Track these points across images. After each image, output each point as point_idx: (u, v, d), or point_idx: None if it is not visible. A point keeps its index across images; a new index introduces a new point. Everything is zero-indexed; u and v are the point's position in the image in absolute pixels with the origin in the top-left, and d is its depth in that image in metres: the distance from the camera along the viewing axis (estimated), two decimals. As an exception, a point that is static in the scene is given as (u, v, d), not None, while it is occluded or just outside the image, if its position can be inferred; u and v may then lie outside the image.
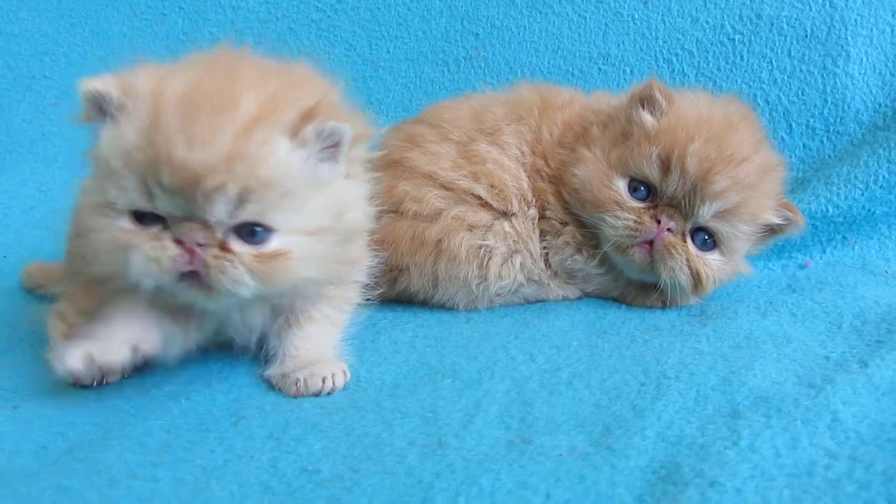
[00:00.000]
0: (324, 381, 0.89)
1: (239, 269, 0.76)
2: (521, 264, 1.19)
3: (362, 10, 1.76)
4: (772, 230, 1.16)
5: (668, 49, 1.56)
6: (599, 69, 1.59)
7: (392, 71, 1.71)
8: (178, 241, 0.75)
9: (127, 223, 0.76)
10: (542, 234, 1.20)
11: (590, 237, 1.19)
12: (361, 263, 0.98)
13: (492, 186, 1.17)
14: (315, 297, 0.94)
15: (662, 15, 1.57)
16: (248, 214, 0.75)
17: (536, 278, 1.21)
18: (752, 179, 1.09)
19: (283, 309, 0.93)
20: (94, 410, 0.84)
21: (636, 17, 1.58)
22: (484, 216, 1.17)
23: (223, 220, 0.75)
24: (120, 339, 0.83)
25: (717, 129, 1.10)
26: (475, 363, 0.96)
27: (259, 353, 0.96)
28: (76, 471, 0.70)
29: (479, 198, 1.17)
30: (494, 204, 1.17)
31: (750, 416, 0.75)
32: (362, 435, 0.78)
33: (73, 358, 0.79)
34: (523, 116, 1.24)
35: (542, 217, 1.20)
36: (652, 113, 1.15)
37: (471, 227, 1.16)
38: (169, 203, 0.74)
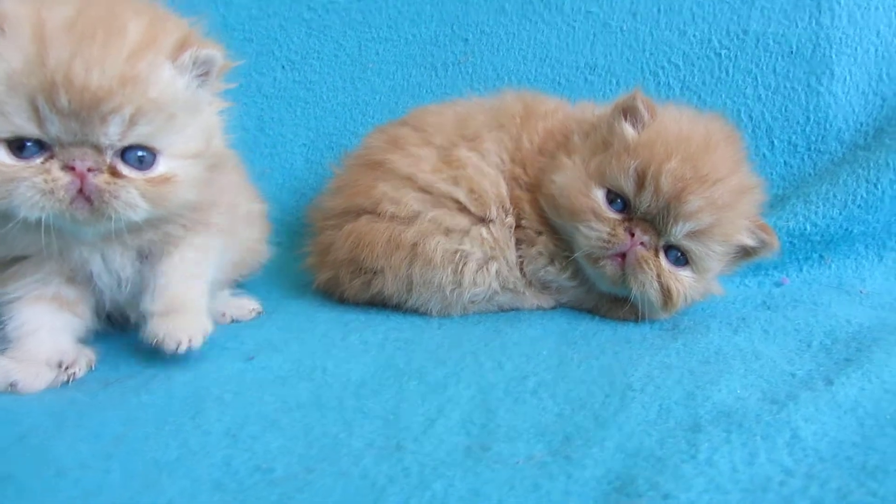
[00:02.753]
0: (178, 345, 0.90)
1: (132, 193, 0.80)
2: (496, 271, 1.18)
3: (353, 12, 1.75)
4: (746, 251, 1.15)
5: (655, 61, 1.56)
6: (586, 79, 1.59)
7: (380, 73, 1.71)
8: (68, 168, 0.77)
9: (5, 156, 0.76)
10: (518, 242, 1.20)
11: (563, 248, 1.18)
12: (222, 203, 1.00)
13: (471, 191, 1.17)
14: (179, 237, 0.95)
15: (650, 27, 1.57)
16: (137, 136, 0.80)
17: (511, 286, 1.21)
18: (726, 200, 1.08)
19: (146, 251, 0.94)
20: (51, 402, 0.83)
21: (624, 28, 1.58)
22: (461, 221, 1.16)
23: (114, 143, 0.78)
24: (42, 361, 0.87)
25: (696, 148, 1.09)
26: (443, 368, 0.96)
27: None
28: (24, 460, 0.69)
29: (458, 202, 1.17)
30: (472, 209, 1.17)
31: (710, 430, 0.74)
32: (321, 434, 0.77)
33: None
34: (504, 124, 1.24)
35: (517, 226, 1.20)
36: (634, 125, 1.14)
37: (447, 232, 1.16)
38: (61, 127, 0.76)
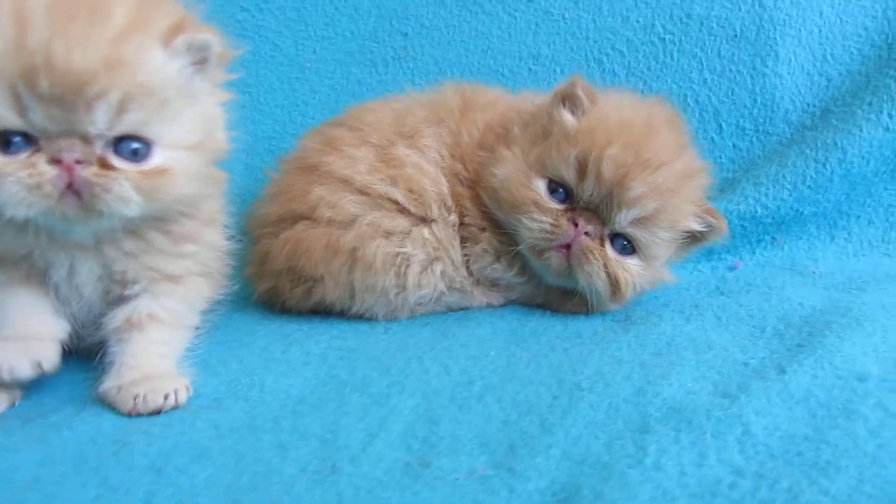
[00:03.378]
0: (165, 398, 0.83)
1: (125, 186, 0.75)
2: (441, 272, 1.14)
3: (288, 10, 1.69)
4: (694, 237, 1.12)
5: (599, 48, 1.53)
6: (530, 69, 1.56)
7: (318, 72, 1.65)
8: (55, 161, 0.72)
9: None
10: (463, 240, 1.16)
11: (508, 243, 1.14)
12: (216, 248, 0.98)
13: (410, 191, 1.13)
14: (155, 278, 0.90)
15: (593, 14, 1.54)
16: (128, 125, 0.74)
17: (459, 286, 1.17)
18: (670, 185, 1.06)
19: (114, 271, 0.87)
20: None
21: (567, 16, 1.55)
22: (401, 222, 1.12)
23: (103, 132, 0.73)
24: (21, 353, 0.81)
25: (637, 134, 1.06)
26: (387, 376, 0.92)
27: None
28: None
29: (397, 203, 1.12)
30: (412, 209, 1.13)
31: (659, 429, 0.71)
32: (253, 461, 0.72)
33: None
34: (444, 118, 1.20)
35: (461, 223, 1.16)
36: (573, 112, 1.11)
37: (387, 234, 1.11)
38: (44, 115, 0.71)
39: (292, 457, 0.73)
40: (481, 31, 1.59)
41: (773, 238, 1.36)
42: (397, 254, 1.11)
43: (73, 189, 0.73)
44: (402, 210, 1.13)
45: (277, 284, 1.17)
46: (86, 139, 0.73)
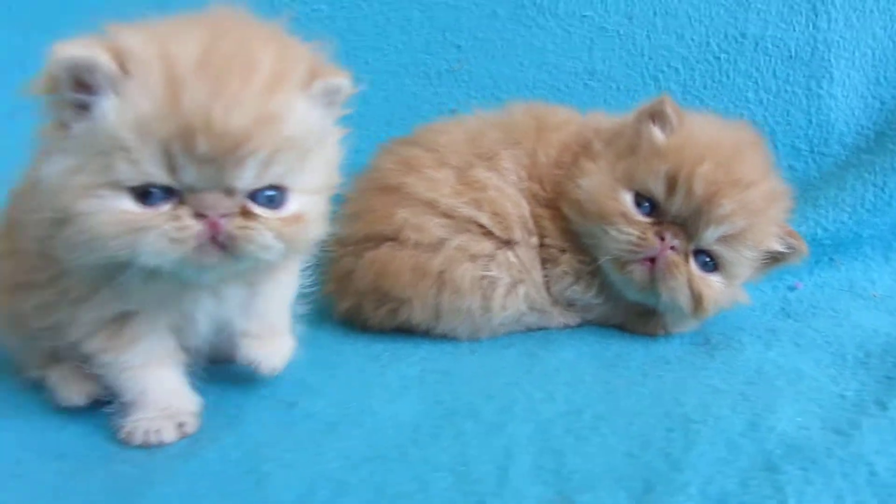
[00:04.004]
0: (273, 370, 0.96)
1: (267, 236, 0.75)
2: (524, 294, 1.17)
3: (339, 20, 1.70)
4: (774, 258, 1.16)
5: (655, 66, 1.55)
6: (585, 84, 1.58)
7: (372, 83, 1.63)
8: (199, 215, 0.72)
9: (131, 203, 0.70)
10: (543, 262, 1.19)
11: (588, 264, 1.17)
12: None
13: (494, 214, 1.15)
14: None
15: (648, 31, 1.56)
16: (271, 177, 0.75)
17: (539, 307, 1.20)
18: (758, 205, 1.09)
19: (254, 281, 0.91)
20: (99, 480, 0.78)
21: (621, 32, 1.57)
22: (487, 245, 1.15)
23: (249, 186, 0.73)
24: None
25: (727, 153, 1.10)
26: (492, 402, 0.94)
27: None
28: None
29: (482, 226, 1.15)
30: (497, 232, 1.15)
31: (787, 468, 0.75)
32: (396, 494, 0.74)
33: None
34: (519, 140, 1.22)
35: (541, 245, 1.18)
36: (662, 129, 1.14)
37: (474, 257, 1.14)
38: (195, 173, 0.70)
39: (434, 490, 0.75)
40: (536, 46, 1.60)
41: (830, 259, 1.40)
42: (483, 277, 1.14)
43: (216, 241, 0.73)
44: (487, 233, 1.15)
45: (361, 303, 1.19)
46: (229, 192, 0.73)
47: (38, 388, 0.97)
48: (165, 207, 0.72)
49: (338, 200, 1.33)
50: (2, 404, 0.97)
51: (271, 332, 0.96)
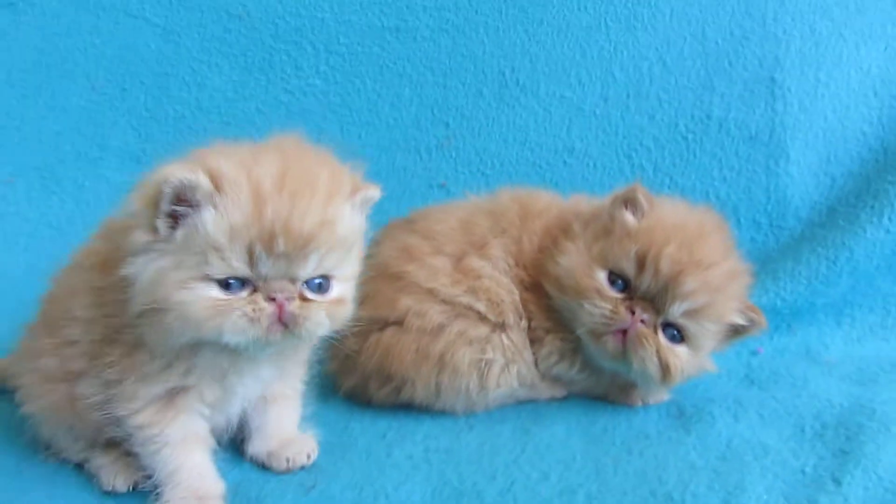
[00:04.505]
0: (308, 457, 1.11)
1: (321, 315, 0.94)
2: (517, 372, 1.27)
3: (332, 95, 1.80)
4: (736, 330, 1.27)
5: (628, 144, 1.69)
6: (565, 162, 1.70)
7: (364, 157, 1.75)
8: (270, 299, 0.90)
9: (218, 291, 0.89)
10: (531, 343, 1.29)
11: (570, 341, 1.28)
12: None
13: (489, 301, 1.26)
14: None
15: (621, 112, 1.69)
16: (324, 268, 0.94)
17: (529, 382, 1.30)
18: (719, 283, 1.20)
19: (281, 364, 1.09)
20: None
21: (597, 112, 1.70)
22: (483, 329, 1.25)
23: (308, 275, 0.92)
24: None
25: (691, 235, 1.21)
26: (494, 483, 1.04)
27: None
28: None
29: (479, 312, 1.25)
30: (492, 318, 1.26)
31: (758, 550, 0.87)
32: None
33: None
34: (506, 228, 1.32)
35: (528, 327, 1.29)
36: (633, 214, 1.25)
37: (471, 342, 1.24)
38: (270, 266, 0.89)
39: (454, 578, 0.85)
40: (519, 124, 1.73)
41: (788, 326, 1.54)
42: (481, 359, 1.24)
43: (281, 320, 0.91)
44: (483, 318, 1.26)
45: (366, 383, 1.29)
46: (293, 280, 0.91)
47: (77, 471, 1.09)
48: (243, 294, 0.90)
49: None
50: (44, 485, 1.07)
51: (288, 443, 1.12)
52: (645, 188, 1.26)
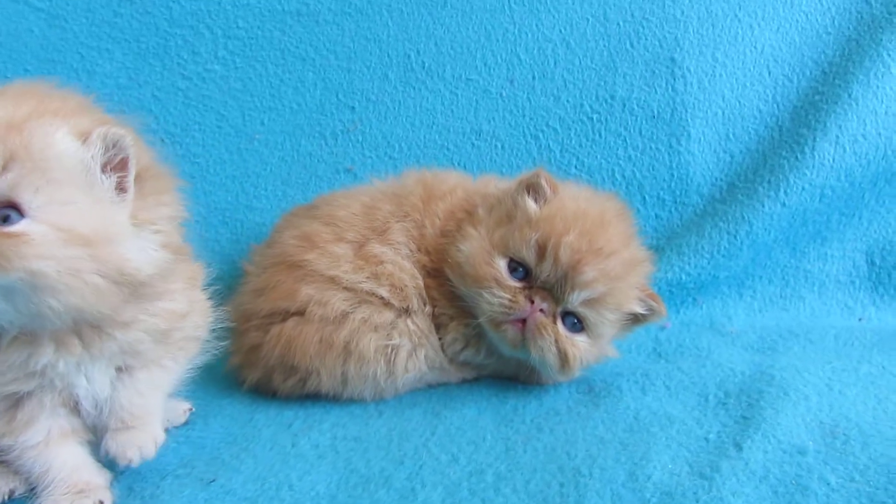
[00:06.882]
0: (130, 462, 0.94)
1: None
2: (424, 356, 1.25)
3: (232, 80, 1.74)
4: (636, 318, 1.27)
5: (535, 125, 1.69)
6: (473, 144, 1.69)
7: (268, 143, 1.71)
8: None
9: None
10: (436, 328, 1.28)
11: (474, 327, 1.26)
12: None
13: (392, 286, 1.23)
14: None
15: (527, 94, 1.69)
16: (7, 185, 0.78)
17: (438, 366, 1.29)
18: (618, 272, 1.20)
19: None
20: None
21: (503, 94, 1.70)
22: (388, 315, 1.23)
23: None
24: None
25: (591, 224, 1.20)
26: (402, 468, 1.02)
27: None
28: None
29: (382, 298, 1.23)
30: (396, 303, 1.23)
31: (662, 517, 0.87)
32: (320, 574, 0.81)
33: None
34: (409, 212, 1.30)
35: (432, 313, 1.27)
36: (536, 200, 1.24)
37: (376, 328, 1.21)
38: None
39: (355, 567, 0.82)
40: (425, 108, 1.70)
41: (693, 299, 1.57)
42: (387, 345, 1.22)
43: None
44: (387, 304, 1.23)
45: (270, 376, 1.25)
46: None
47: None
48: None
49: (237, 274, 1.38)
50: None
51: (132, 426, 0.96)
52: (549, 173, 1.25)
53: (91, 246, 0.80)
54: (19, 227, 0.76)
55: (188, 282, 1.00)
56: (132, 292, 0.87)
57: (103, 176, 0.83)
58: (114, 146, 0.82)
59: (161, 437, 0.97)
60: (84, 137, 0.80)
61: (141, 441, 0.94)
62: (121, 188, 0.84)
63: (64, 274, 0.78)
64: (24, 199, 0.76)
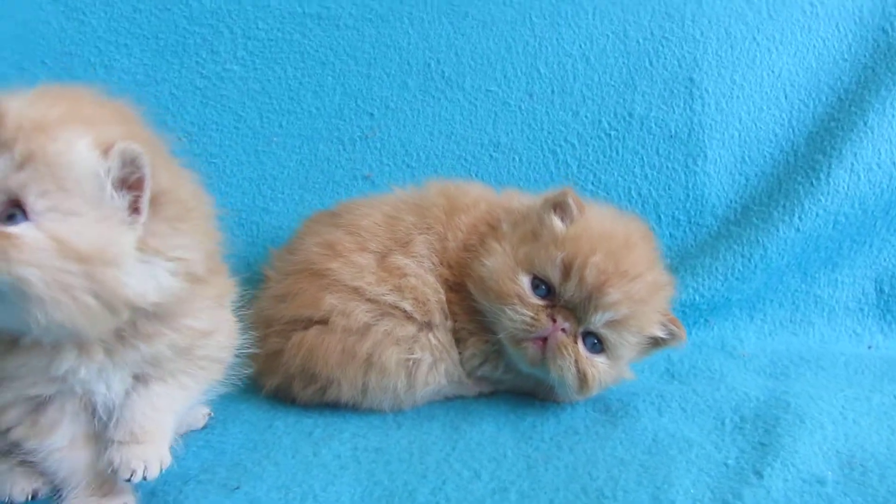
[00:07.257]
0: (133, 474, 0.88)
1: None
2: (444, 370, 1.26)
3: (251, 81, 1.73)
4: (655, 342, 1.28)
5: (553, 140, 1.69)
6: (490, 156, 1.70)
7: (285, 147, 1.71)
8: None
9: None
10: (456, 343, 1.28)
11: (494, 343, 1.26)
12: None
13: (416, 300, 1.23)
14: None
15: (546, 108, 1.70)
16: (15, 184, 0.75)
17: (456, 379, 1.29)
18: (642, 295, 1.21)
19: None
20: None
21: (522, 107, 1.70)
22: (410, 329, 1.23)
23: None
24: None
25: (617, 245, 1.21)
26: (426, 482, 1.03)
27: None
28: None
29: (405, 311, 1.23)
30: (418, 317, 1.24)
31: (688, 544, 0.88)
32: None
33: None
34: (431, 225, 1.30)
35: (453, 328, 1.28)
36: (562, 219, 1.24)
37: (398, 341, 1.22)
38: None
39: (385, 584, 0.83)
40: (444, 117, 1.71)
41: (706, 320, 1.59)
42: (408, 359, 1.22)
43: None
44: (410, 318, 1.23)
45: (289, 382, 1.25)
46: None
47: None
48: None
49: (253, 277, 1.38)
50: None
51: (139, 441, 0.92)
52: (576, 193, 1.26)
53: (86, 263, 0.76)
54: (17, 228, 0.74)
55: (215, 300, 0.96)
56: (141, 315, 0.84)
57: (116, 192, 0.78)
58: (131, 163, 0.77)
59: (168, 460, 0.93)
60: (106, 149, 0.77)
61: (147, 457, 0.90)
62: (134, 209, 0.79)
63: (52, 286, 0.74)
64: (30, 201, 0.74)
